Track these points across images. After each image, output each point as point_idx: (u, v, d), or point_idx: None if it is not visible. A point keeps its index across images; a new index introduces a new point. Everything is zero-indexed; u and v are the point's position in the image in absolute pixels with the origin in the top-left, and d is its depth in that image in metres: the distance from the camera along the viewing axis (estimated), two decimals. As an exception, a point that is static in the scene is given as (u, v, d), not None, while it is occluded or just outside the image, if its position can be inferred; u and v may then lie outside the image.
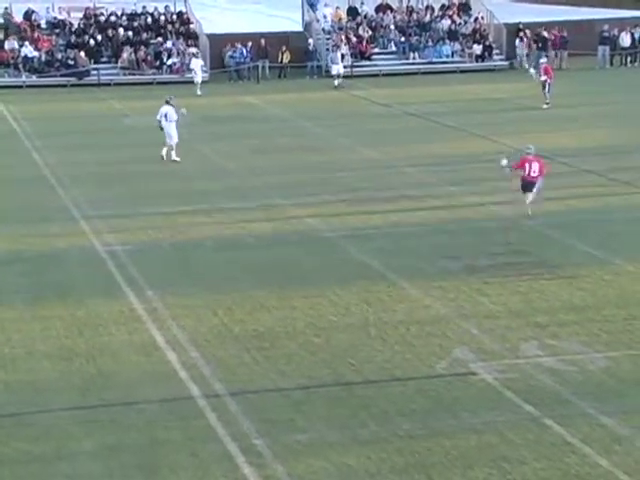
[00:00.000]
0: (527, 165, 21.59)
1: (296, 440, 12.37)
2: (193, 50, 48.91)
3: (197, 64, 46.21)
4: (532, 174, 21.55)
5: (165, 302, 17.36)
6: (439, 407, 13.24)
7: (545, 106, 37.77)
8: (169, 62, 48.70)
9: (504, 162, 21.59)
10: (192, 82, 45.26)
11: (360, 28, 51.70)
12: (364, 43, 50.94)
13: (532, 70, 39.89)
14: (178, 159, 29.48)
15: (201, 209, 23.98)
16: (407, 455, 11.97)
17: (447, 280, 18.33)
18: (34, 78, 47.33)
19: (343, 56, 48.51)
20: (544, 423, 12.73)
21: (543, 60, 39.84)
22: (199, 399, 13.58)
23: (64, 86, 46.68)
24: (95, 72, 48.00)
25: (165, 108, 29.81)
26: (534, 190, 21.82)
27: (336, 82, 46.36)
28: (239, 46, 49.36)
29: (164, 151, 29.70)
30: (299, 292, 17.82)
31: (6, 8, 49.79)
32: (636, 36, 52.37)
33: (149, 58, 48.82)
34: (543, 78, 38.39)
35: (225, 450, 12.18)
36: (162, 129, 29.79)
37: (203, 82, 45.25)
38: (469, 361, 14.67)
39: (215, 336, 15.84)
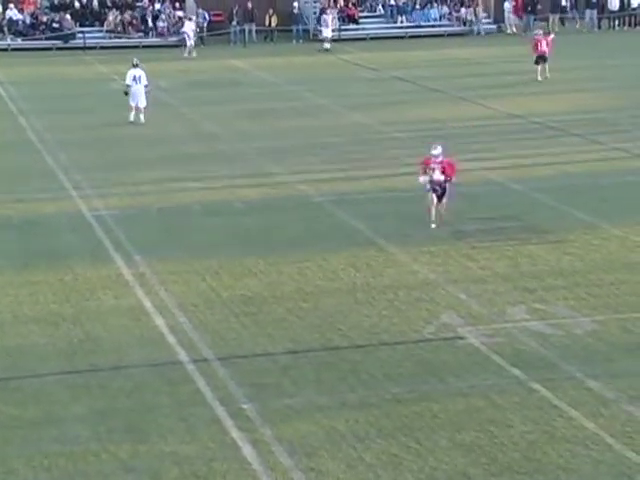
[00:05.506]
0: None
1: (284, 404, 12.40)
2: (180, 13, 48.62)
3: (189, 27, 46.00)
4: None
5: (153, 267, 17.34)
6: (427, 371, 13.28)
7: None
8: (159, 25, 48.33)
9: (422, 179, 19.59)
10: (178, 46, 44.98)
11: (348, -9, 51.41)
12: (351, 6, 50.64)
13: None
14: (144, 121, 29.42)
15: (189, 174, 23.89)
16: (395, 419, 12.02)
17: (435, 245, 18.34)
18: (19, 41, 46.98)
19: (332, 19, 48.22)
20: (531, 387, 12.78)
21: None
22: (187, 364, 13.59)
23: (49, 49, 46.35)
24: (81, 35, 47.67)
25: (136, 71, 29.88)
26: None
27: (325, 45, 46.13)
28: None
29: (132, 116, 29.62)
30: (287, 257, 17.81)
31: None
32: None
33: (135, 22, 48.45)
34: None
35: (213, 414, 12.21)
36: (127, 94, 29.77)
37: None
38: (457, 325, 14.71)
39: (203, 301, 15.84)
